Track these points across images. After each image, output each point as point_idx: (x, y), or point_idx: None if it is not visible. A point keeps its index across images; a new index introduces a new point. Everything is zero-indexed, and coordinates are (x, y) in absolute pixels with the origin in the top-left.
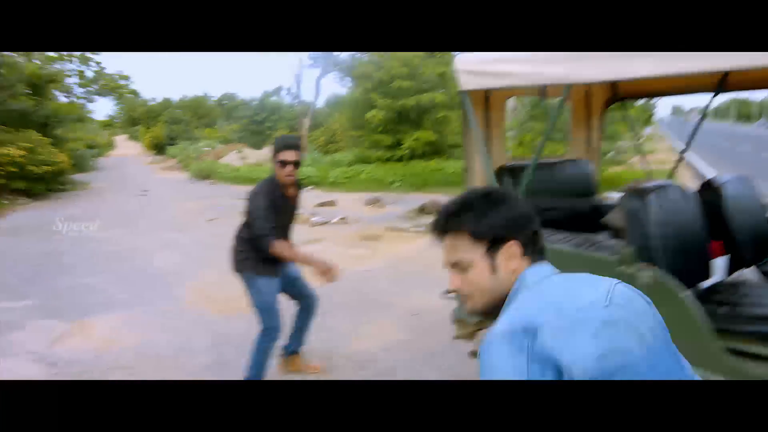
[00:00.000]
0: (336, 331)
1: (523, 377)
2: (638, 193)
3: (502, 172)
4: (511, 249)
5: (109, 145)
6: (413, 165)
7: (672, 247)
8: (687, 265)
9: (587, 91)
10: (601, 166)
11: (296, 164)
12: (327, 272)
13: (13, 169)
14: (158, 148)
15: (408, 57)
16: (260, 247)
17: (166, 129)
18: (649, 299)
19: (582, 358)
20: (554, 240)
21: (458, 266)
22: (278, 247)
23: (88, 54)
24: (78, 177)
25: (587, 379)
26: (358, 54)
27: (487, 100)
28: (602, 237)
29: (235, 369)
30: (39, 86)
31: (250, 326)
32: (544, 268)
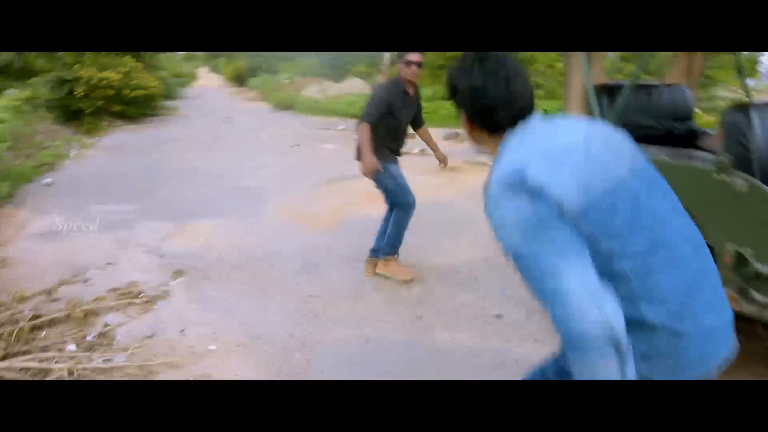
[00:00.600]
0: (422, 247)
1: (526, 214)
2: (740, 108)
3: (600, 91)
4: (463, 116)
5: (193, 76)
6: None
7: None
8: None
9: None
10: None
11: (419, 65)
12: (442, 160)
13: (110, 93)
14: (239, 79)
15: None
16: (383, 135)
17: (247, 61)
18: (625, 136)
19: (568, 192)
20: (649, 151)
21: None
22: (361, 129)
23: None
24: (168, 103)
25: (577, 211)
26: None
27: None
28: (698, 154)
29: (320, 271)
30: None
31: (331, 239)
32: (526, 126)
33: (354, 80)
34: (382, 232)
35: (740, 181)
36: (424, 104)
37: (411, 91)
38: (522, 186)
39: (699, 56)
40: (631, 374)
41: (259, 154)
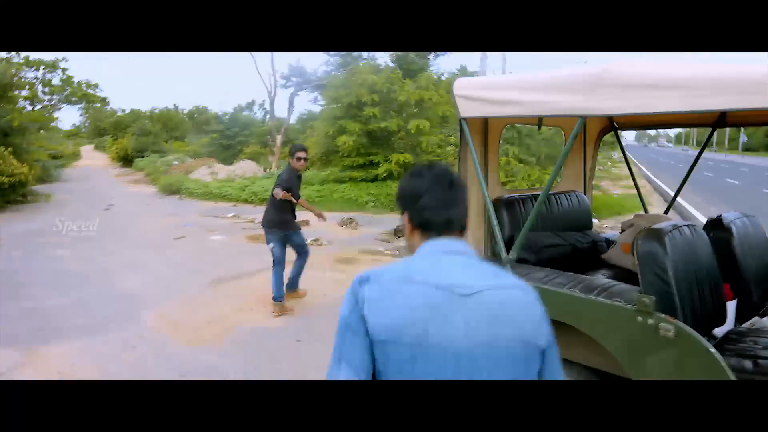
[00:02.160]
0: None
1: (343, 312)
2: (652, 236)
3: (499, 205)
4: (404, 218)
5: (75, 155)
6: (387, 185)
7: (689, 292)
8: (704, 310)
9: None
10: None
11: (305, 159)
12: (319, 216)
13: None
14: (125, 160)
15: (377, 82)
16: (273, 204)
17: (134, 141)
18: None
19: (377, 323)
20: (561, 283)
21: None
22: (280, 193)
23: (55, 59)
24: (41, 188)
25: (376, 340)
26: (331, 71)
27: (485, 127)
28: (603, 275)
29: None
30: (2, 93)
31: (217, 358)
32: (435, 244)
33: (245, 162)
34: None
35: (666, 327)
36: (318, 187)
37: (300, 176)
38: (355, 289)
39: (591, 157)
40: None
41: (139, 248)
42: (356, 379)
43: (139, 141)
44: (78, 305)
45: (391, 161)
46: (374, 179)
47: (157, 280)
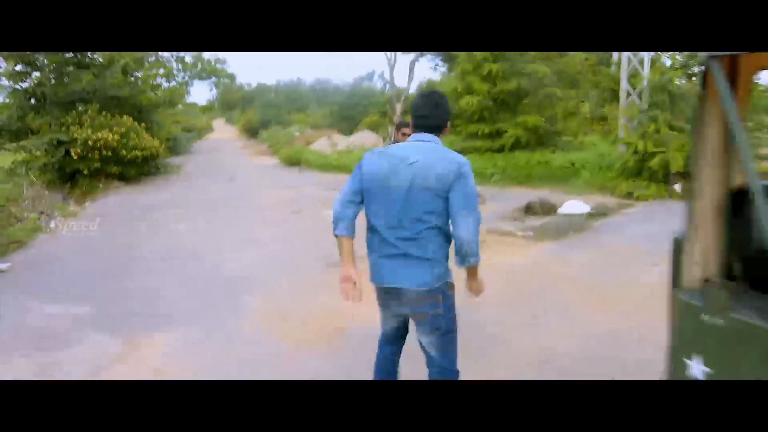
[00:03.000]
0: None
1: (355, 169)
2: None
3: (741, 196)
4: (411, 122)
5: (208, 129)
6: (515, 156)
7: None
8: None
9: None
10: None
11: (409, 135)
12: None
13: (107, 154)
14: (251, 132)
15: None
16: None
17: (259, 113)
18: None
19: (366, 171)
20: None
21: None
22: None
23: None
24: (173, 160)
25: (363, 179)
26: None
27: (734, 74)
28: None
29: None
30: (127, 71)
31: (324, 361)
32: (414, 136)
33: (365, 132)
34: None
35: None
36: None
37: None
38: (362, 159)
39: None
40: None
41: (256, 223)
42: (351, 198)
43: (264, 113)
44: (183, 290)
45: (519, 126)
46: (500, 149)
47: (271, 259)
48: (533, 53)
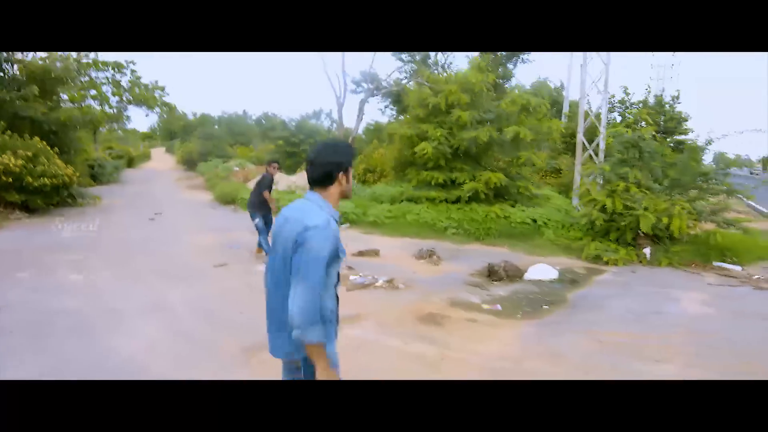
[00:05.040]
0: None
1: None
2: None
3: None
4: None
5: (145, 157)
6: (472, 209)
7: None
8: None
9: None
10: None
11: (278, 168)
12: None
13: (7, 180)
14: (190, 163)
15: (470, 82)
16: (257, 195)
17: (199, 144)
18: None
19: None
20: None
21: None
22: (268, 195)
23: (124, 61)
24: (95, 190)
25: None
26: (404, 80)
27: None
28: None
29: None
30: (48, 89)
31: None
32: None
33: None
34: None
35: None
36: (388, 206)
37: (272, 179)
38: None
39: None
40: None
41: (166, 279)
42: None
43: (204, 144)
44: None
45: (479, 180)
46: (456, 200)
47: (173, 338)
48: (504, 107)
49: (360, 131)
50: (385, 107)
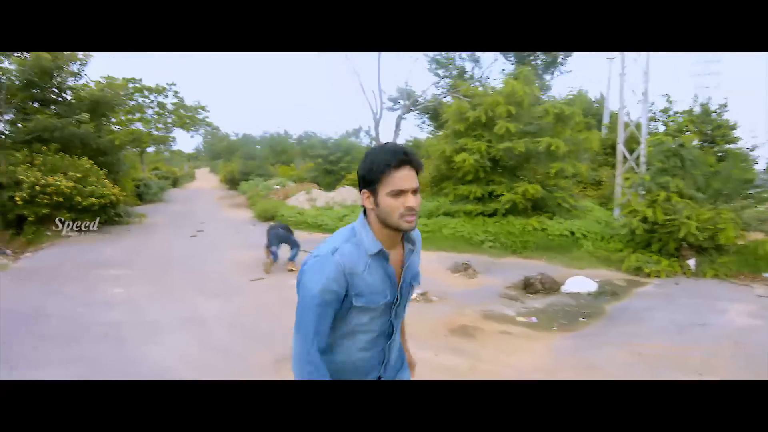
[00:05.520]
0: None
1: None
2: None
3: None
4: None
5: (190, 177)
6: (509, 222)
7: None
8: None
9: None
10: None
11: None
12: None
13: (59, 199)
14: (233, 182)
15: (515, 94)
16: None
17: (241, 164)
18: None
19: None
20: None
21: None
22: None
23: (165, 84)
24: (141, 208)
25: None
26: (441, 95)
27: None
28: None
29: None
30: (99, 112)
31: None
32: None
33: (346, 189)
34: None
35: None
36: (424, 221)
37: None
38: None
39: None
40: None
41: (202, 293)
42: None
43: (246, 164)
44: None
45: (516, 192)
46: (493, 213)
47: (204, 349)
48: (547, 121)
49: None
50: (423, 123)
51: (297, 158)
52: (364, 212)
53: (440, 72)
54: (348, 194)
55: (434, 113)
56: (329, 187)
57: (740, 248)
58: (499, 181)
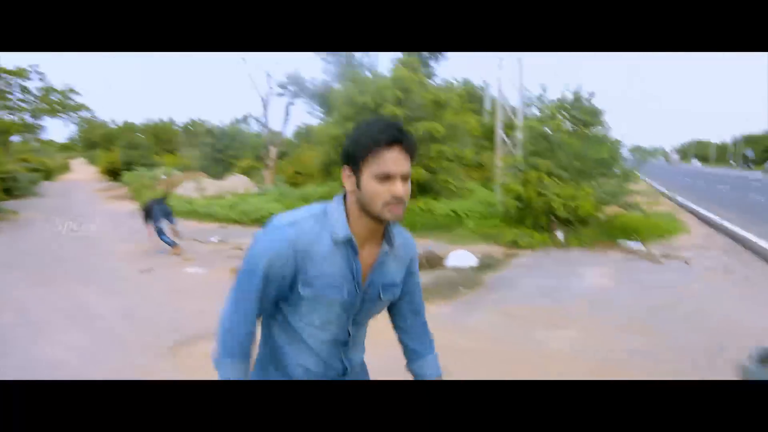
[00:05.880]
0: None
1: None
2: None
3: None
4: None
5: (64, 168)
6: None
7: None
8: None
9: None
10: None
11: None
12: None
13: None
14: (114, 173)
15: (405, 77)
16: None
17: (122, 154)
18: None
19: None
20: None
21: (408, 178)
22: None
23: (28, 68)
24: (10, 204)
25: None
26: (330, 81)
27: None
28: None
29: None
30: None
31: None
32: None
33: (237, 177)
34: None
35: None
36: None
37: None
38: None
39: None
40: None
41: (90, 285)
42: None
43: (128, 154)
44: None
45: None
46: None
47: (93, 341)
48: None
49: (290, 134)
50: (313, 109)
51: (183, 147)
52: (344, 195)
53: (329, 58)
54: (240, 182)
55: (324, 99)
56: (219, 175)
57: (600, 221)
58: None
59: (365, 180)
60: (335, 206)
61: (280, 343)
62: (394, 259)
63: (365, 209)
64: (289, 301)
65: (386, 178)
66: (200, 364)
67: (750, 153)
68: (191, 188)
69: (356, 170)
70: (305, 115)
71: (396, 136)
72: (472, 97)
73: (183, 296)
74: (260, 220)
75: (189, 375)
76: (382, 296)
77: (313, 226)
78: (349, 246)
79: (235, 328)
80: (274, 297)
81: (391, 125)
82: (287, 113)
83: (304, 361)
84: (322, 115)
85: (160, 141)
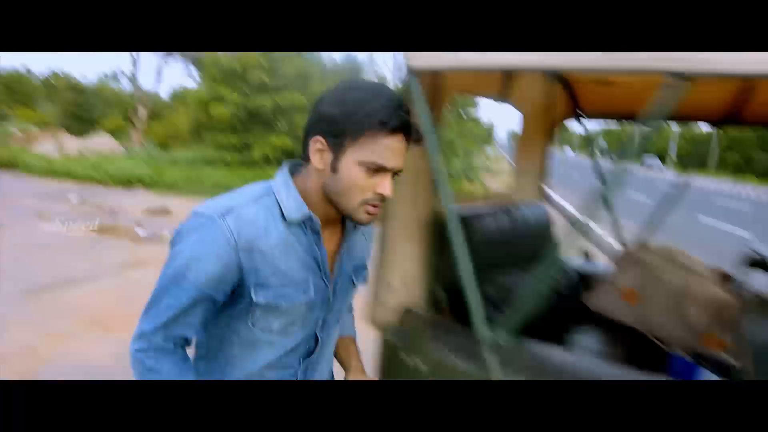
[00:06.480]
0: None
1: None
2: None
3: (437, 223)
4: None
5: None
6: (266, 172)
7: None
8: None
9: (543, 103)
10: (454, 182)
11: None
12: None
13: None
14: None
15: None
16: None
17: None
18: None
19: None
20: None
21: (397, 174)
22: None
23: None
24: None
25: None
26: None
27: (434, 97)
28: (594, 337)
29: None
30: None
31: None
32: None
33: (102, 136)
34: None
35: None
36: (185, 169)
37: None
38: None
39: (545, 156)
40: None
41: None
42: None
43: None
44: None
45: (268, 143)
46: (252, 164)
47: None
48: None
49: (165, 96)
50: (189, 71)
51: (42, 100)
52: (290, 169)
53: None
54: (105, 143)
55: (197, 59)
56: (80, 133)
57: None
58: (255, 133)
59: (347, 164)
60: (281, 184)
61: (222, 356)
62: (362, 234)
63: (332, 198)
64: (234, 309)
65: (377, 170)
66: (60, 310)
67: (603, 143)
68: (50, 146)
69: (337, 147)
70: (179, 78)
71: (404, 122)
72: (353, 73)
73: (36, 255)
74: (126, 183)
75: (41, 326)
76: (355, 282)
77: (256, 212)
78: (309, 228)
79: (158, 367)
80: (213, 313)
81: (399, 104)
82: (159, 73)
83: (255, 374)
84: (198, 78)
85: (13, 93)
